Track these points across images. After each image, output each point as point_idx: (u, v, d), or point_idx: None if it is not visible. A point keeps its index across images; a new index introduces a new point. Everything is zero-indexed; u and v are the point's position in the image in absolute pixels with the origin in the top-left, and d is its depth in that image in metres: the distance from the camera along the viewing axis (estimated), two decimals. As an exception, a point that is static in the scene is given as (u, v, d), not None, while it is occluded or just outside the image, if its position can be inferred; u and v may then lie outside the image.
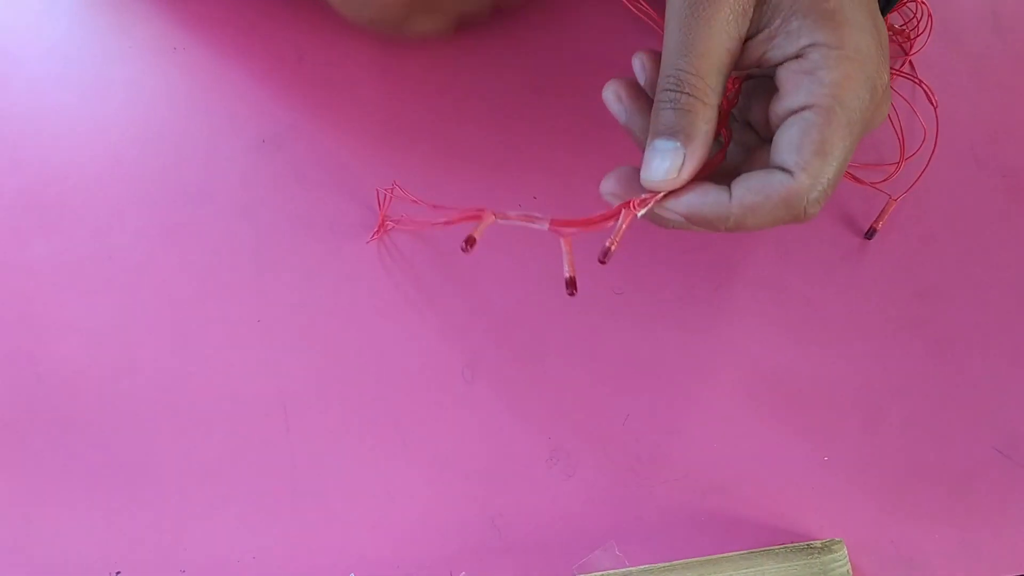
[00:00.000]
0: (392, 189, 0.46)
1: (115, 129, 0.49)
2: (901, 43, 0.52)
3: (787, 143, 0.32)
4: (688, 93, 0.33)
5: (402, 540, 0.42)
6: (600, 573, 0.41)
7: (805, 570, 0.41)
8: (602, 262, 0.35)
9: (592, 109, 0.49)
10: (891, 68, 0.51)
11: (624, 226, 0.35)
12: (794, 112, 0.32)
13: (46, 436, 0.43)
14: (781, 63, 0.33)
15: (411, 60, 0.51)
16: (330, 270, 0.47)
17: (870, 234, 0.48)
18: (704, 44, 0.33)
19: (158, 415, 0.44)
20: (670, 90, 0.33)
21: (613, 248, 0.35)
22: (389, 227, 0.47)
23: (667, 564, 0.41)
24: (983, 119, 0.50)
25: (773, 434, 0.45)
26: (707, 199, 0.33)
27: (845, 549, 0.41)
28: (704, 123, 0.33)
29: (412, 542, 0.42)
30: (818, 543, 0.41)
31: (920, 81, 0.51)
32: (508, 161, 0.49)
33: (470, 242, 0.35)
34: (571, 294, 0.35)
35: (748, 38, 0.34)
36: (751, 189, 0.32)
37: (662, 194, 0.34)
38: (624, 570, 0.41)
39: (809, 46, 0.32)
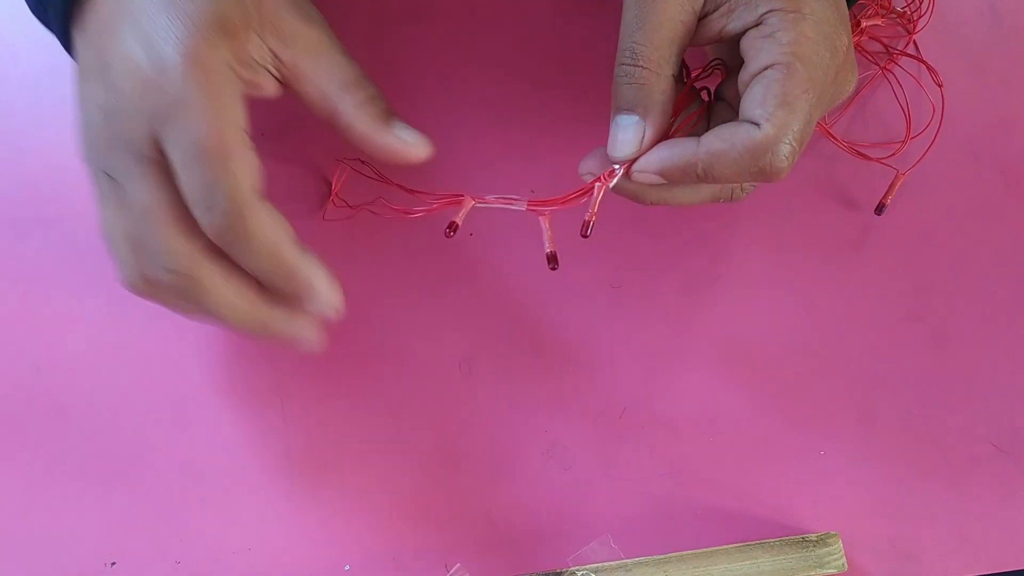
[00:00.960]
0: (354, 163, 0.45)
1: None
2: (904, 24, 0.52)
3: (752, 100, 0.34)
4: (642, 66, 0.35)
5: (398, 532, 0.42)
6: (596, 565, 0.41)
7: (800, 563, 0.41)
8: (584, 236, 0.37)
9: (589, 101, 0.49)
10: (896, 49, 0.51)
11: (599, 198, 0.37)
12: (757, 74, 0.34)
13: (43, 427, 0.43)
14: (743, 33, 0.35)
15: (401, 36, 0.51)
16: (329, 261, 0.47)
17: (880, 209, 0.48)
18: (657, 17, 0.35)
19: (155, 406, 0.44)
20: (626, 64, 0.35)
21: (592, 220, 0.37)
22: (364, 212, 0.47)
23: (662, 556, 0.41)
24: (981, 113, 0.50)
25: (769, 427, 0.45)
26: (675, 149, 0.35)
27: (840, 542, 0.41)
28: (659, 94, 0.35)
29: (408, 534, 0.42)
30: (813, 536, 0.42)
31: (925, 61, 0.51)
32: (505, 154, 0.49)
33: (452, 228, 0.37)
34: (553, 268, 0.38)
35: (708, 13, 0.35)
36: (719, 136, 0.34)
37: (631, 161, 0.36)
38: (619, 562, 0.41)
39: (767, 12, 0.34)
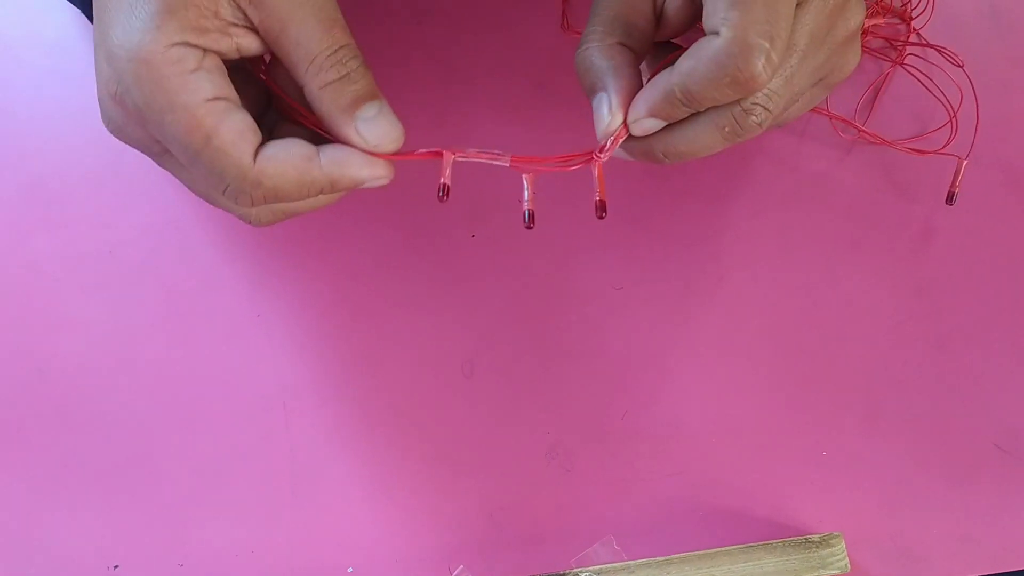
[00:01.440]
0: None
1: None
2: (905, 20, 0.52)
3: (708, 10, 0.33)
4: (588, 44, 0.35)
5: (401, 534, 0.42)
6: (598, 567, 0.41)
7: (803, 564, 0.41)
8: (600, 217, 0.37)
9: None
10: (906, 40, 0.51)
11: (598, 176, 0.37)
12: None
13: (46, 430, 0.43)
14: None
15: (403, 36, 0.51)
16: (329, 264, 0.47)
17: (951, 198, 0.48)
18: (600, 4, 0.36)
19: (158, 408, 0.44)
20: (578, 52, 0.36)
21: (603, 199, 0.36)
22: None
23: (665, 558, 0.41)
24: (981, 113, 0.50)
25: (772, 428, 0.45)
26: (653, 85, 0.34)
27: (843, 543, 0.41)
28: (605, 60, 0.35)
29: (411, 536, 0.42)
30: (816, 537, 0.42)
31: (937, 46, 0.51)
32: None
33: (444, 190, 0.35)
34: (529, 227, 0.36)
35: None
36: (687, 55, 0.33)
37: (618, 134, 0.36)
38: (622, 564, 0.41)
39: None
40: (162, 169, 0.36)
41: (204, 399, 0.44)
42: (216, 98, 0.32)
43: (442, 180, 0.36)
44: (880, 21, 0.51)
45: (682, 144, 0.36)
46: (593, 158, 0.36)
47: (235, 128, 0.32)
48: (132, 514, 0.42)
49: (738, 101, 0.34)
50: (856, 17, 0.36)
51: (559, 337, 0.46)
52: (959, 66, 0.50)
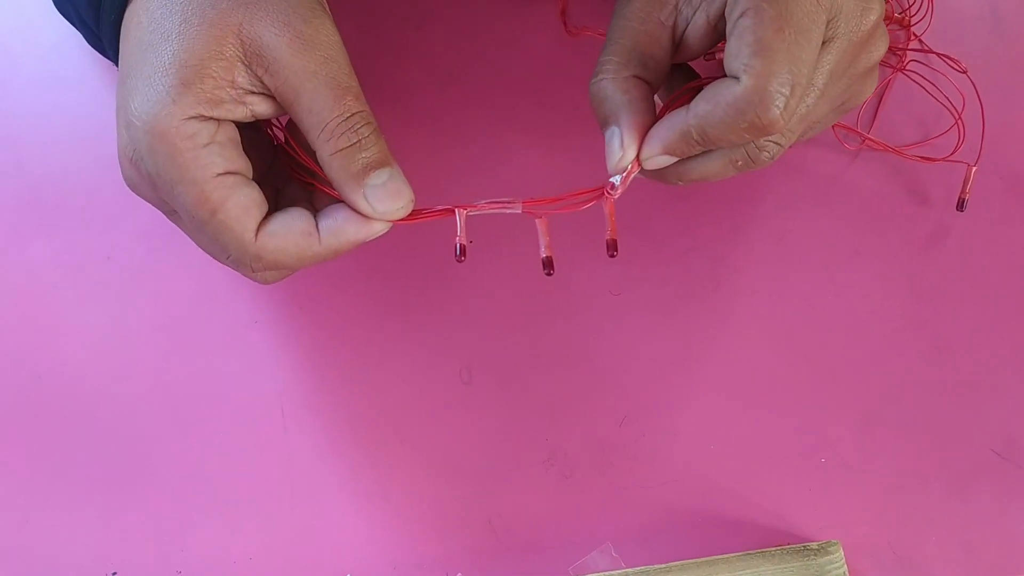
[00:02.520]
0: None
1: (114, 130, 0.49)
2: (905, 26, 0.52)
3: (729, 54, 0.33)
4: (602, 77, 0.36)
5: (399, 541, 0.42)
6: (596, 575, 0.41)
7: (801, 572, 0.41)
8: (612, 255, 0.36)
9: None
10: (906, 46, 0.51)
11: (610, 212, 0.36)
12: (733, 28, 0.33)
13: (44, 436, 0.43)
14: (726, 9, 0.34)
15: (400, 41, 0.51)
16: (326, 270, 0.47)
17: (961, 205, 0.48)
18: (619, 31, 0.36)
19: (156, 415, 0.44)
20: (592, 82, 0.36)
21: (614, 237, 0.36)
22: None
23: (663, 566, 0.41)
24: (985, 122, 0.50)
25: (770, 435, 0.45)
26: (669, 123, 0.35)
27: (842, 551, 0.41)
28: (621, 94, 0.35)
29: (409, 543, 0.42)
30: (815, 545, 0.41)
31: (939, 52, 0.51)
32: (502, 160, 0.49)
33: (462, 251, 0.36)
34: (548, 274, 0.36)
35: (685, 15, 0.36)
36: (704, 98, 0.33)
37: (629, 172, 0.36)
38: (620, 571, 0.41)
39: None
40: None
41: (202, 405, 0.44)
42: (226, 172, 0.33)
43: (458, 240, 0.36)
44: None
45: (694, 173, 0.36)
46: (605, 195, 0.36)
47: (240, 204, 0.33)
48: (130, 520, 0.42)
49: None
50: (880, 49, 0.36)
51: (557, 344, 0.46)
52: (962, 71, 0.50)
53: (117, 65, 0.36)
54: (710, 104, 0.33)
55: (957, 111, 0.49)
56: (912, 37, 0.52)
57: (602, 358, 0.46)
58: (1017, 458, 0.45)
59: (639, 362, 0.46)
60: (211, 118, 0.33)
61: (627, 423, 0.45)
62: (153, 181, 0.33)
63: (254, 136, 0.37)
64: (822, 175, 0.49)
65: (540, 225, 0.37)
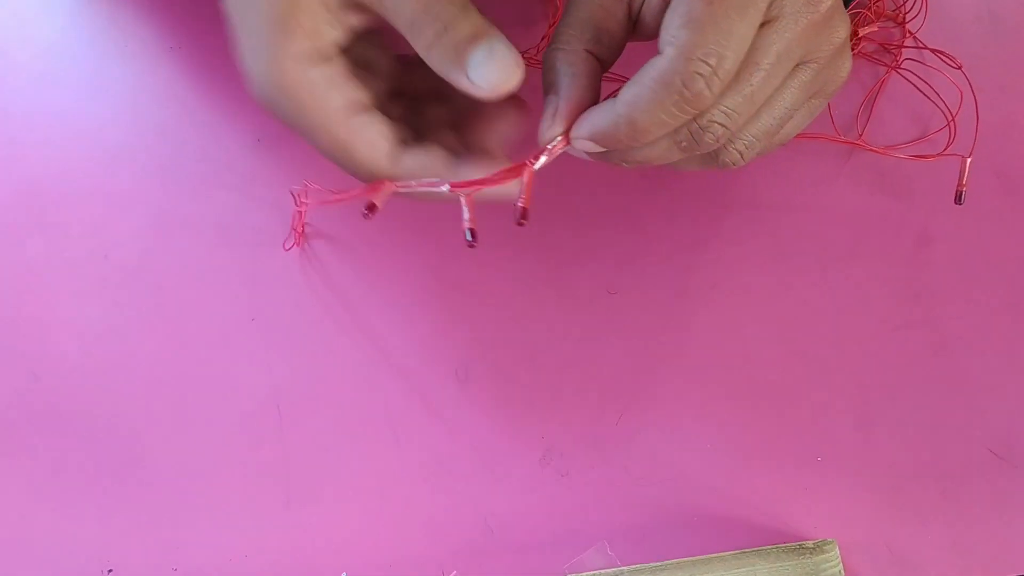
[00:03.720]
0: (305, 189, 0.45)
1: (111, 127, 0.49)
2: (900, 25, 0.52)
3: (662, 32, 0.32)
4: (555, 45, 0.35)
5: (394, 539, 0.42)
6: (592, 573, 0.41)
7: (797, 570, 0.41)
8: (520, 224, 0.36)
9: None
10: (900, 43, 0.51)
11: (528, 182, 0.35)
12: (669, 7, 0.32)
13: (39, 434, 0.43)
14: None
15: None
16: (325, 269, 0.47)
17: (959, 198, 0.47)
18: (574, 4, 0.35)
19: (152, 413, 0.44)
20: (546, 52, 0.36)
21: (525, 206, 0.35)
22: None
23: (659, 564, 0.41)
24: (980, 117, 0.50)
25: (766, 434, 0.45)
26: (597, 110, 0.34)
27: (837, 549, 0.41)
28: (567, 66, 0.34)
29: (404, 542, 0.42)
30: (810, 543, 0.42)
31: (934, 49, 0.51)
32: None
33: (371, 208, 0.36)
34: (471, 246, 0.36)
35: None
36: (632, 81, 0.32)
37: (556, 144, 0.35)
38: (616, 570, 0.41)
39: None
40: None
41: (198, 403, 0.44)
42: (349, 108, 0.34)
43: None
44: (874, 27, 0.51)
45: (638, 155, 0.35)
46: (526, 165, 0.35)
47: (368, 141, 0.34)
48: (126, 518, 0.42)
49: (694, 118, 0.33)
50: (841, 30, 0.35)
51: (553, 342, 0.46)
52: (957, 67, 0.50)
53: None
54: (637, 85, 0.32)
55: (950, 109, 0.49)
56: (907, 34, 0.52)
57: (598, 356, 0.46)
58: (1013, 457, 0.45)
59: (635, 360, 0.46)
60: (319, 57, 0.33)
61: (623, 421, 0.45)
62: (288, 125, 0.34)
63: (369, 55, 0.37)
64: (817, 175, 0.49)
65: (464, 202, 0.36)
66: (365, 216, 0.36)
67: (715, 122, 0.33)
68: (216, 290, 0.46)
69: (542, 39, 0.46)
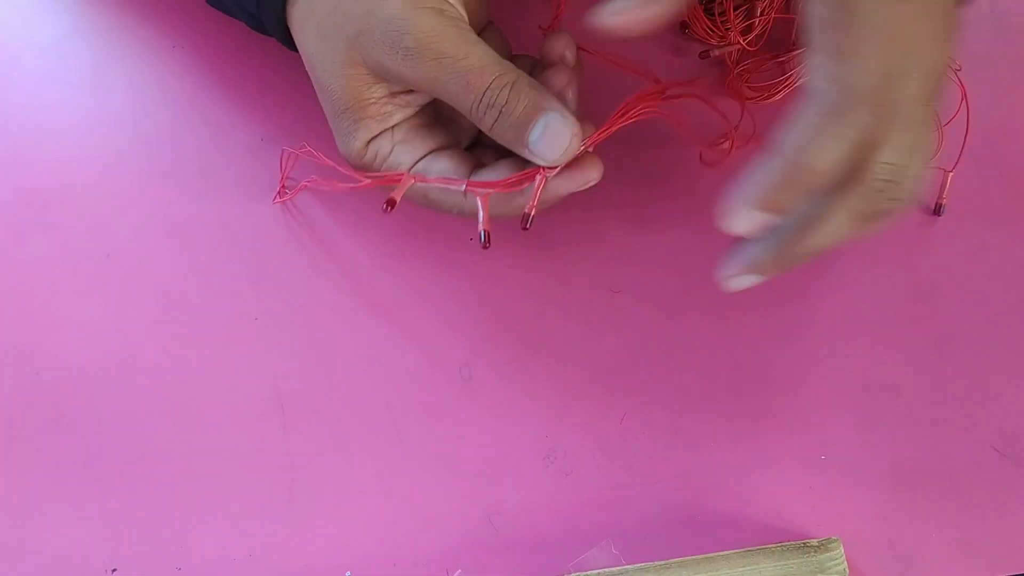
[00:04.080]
0: (302, 149, 0.45)
1: (113, 126, 0.49)
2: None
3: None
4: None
5: (398, 538, 0.42)
6: (596, 571, 0.41)
7: (801, 568, 0.41)
8: (524, 228, 0.38)
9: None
10: None
11: (539, 189, 0.37)
12: None
13: (43, 432, 0.43)
14: None
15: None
16: (326, 267, 0.47)
17: (938, 209, 0.48)
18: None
19: (156, 412, 0.44)
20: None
21: (532, 213, 0.37)
22: (301, 188, 0.46)
23: (663, 562, 0.41)
24: (981, 117, 0.50)
25: (770, 432, 0.45)
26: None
27: (842, 548, 0.41)
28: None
29: (408, 540, 0.42)
30: (815, 541, 0.41)
31: None
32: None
33: (390, 203, 0.37)
34: (485, 247, 0.37)
35: None
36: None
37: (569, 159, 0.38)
38: (620, 568, 0.41)
39: None
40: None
41: (202, 402, 0.44)
42: (420, 159, 0.40)
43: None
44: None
45: (816, 240, 0.36)
46: (540, 171, 0.37)
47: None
48: (130, 517, 0.42)
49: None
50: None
51: (557, 340, 0.46)
52: (956, 70, 0.50)
53: (281, 42, 0.43)
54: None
55: (941, 119, 0.49)
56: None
57: (602, 354, 0.46)
58: (1017, 455, 0.45)
59: (639, 358, 0.46)
60: (387, 129, 0.39)
61: (627, 420, 0.45)
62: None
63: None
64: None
65: (481, 202, 0.37)
66: (385, 210, 0.37)
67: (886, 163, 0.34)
68: (219, 289, 0.46)
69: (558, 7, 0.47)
